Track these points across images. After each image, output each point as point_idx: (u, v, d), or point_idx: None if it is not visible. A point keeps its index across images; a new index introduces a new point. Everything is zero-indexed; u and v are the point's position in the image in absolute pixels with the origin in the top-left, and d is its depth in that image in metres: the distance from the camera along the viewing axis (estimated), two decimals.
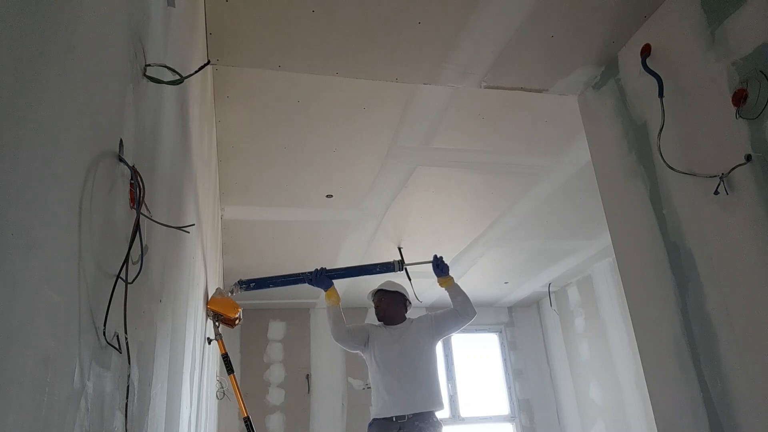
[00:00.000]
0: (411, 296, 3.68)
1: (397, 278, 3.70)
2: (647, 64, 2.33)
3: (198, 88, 2.07)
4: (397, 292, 3.51)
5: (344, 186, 3.76)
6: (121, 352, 0.89)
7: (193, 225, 1.88)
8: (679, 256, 2.19)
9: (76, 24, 0.68)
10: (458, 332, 6.92)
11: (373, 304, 3.57)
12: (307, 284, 3.52)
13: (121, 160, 0.87)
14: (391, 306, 3.47)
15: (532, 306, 6.99)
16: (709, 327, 2.05)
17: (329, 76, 2.65)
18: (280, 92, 2.78)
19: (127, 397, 0.95)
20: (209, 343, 3.16)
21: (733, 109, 1.95)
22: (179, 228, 1.29)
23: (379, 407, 3.27)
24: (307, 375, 6.21)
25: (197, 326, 2.56)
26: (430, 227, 4.51)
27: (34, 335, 0.56)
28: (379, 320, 3.49)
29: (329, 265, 5.22)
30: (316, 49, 2.46)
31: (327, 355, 6.37)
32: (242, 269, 5.15)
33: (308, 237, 4.55)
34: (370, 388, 6.28)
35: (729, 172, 1.96)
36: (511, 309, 7.03)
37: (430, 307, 6.81)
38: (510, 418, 6.48)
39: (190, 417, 2.18)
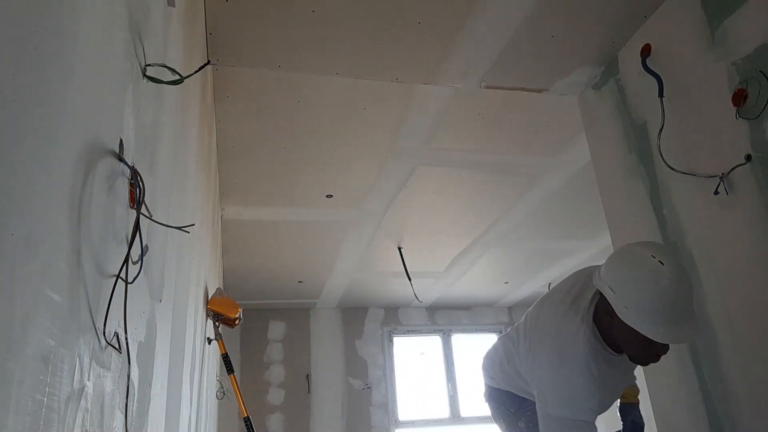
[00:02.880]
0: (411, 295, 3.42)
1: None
2: (647, 64, 2.33)
3: (198, 88, 2.07)
4: None
5: (344, 186, 3.76)
6: (121, 352, 0.89)
7: (193, 225, 1.88)
8: (679, 256, 2.19)
9: (76, 24, 0.68)
10: (459, 333, 6.92)
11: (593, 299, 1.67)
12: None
13: (121, 160, 0.87)
14: None
15: None
16: (709, 327, 2.05)
17: (329, 76, 2.65)
18: (280, 92, 2.78)
19: (127, 397, 0.95)
20: (209, 343, 3.16)
21: (733, 109, 1.95)
22: (179, 228, 1.29)
23: None
24: (307, 375, 6.21)
25: (197, 326, 2.56)
26: (430, 227, 4.51)
27: (33, 335, 0.56)
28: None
29: (329, 263, 5.19)
30: (316, 49, 2.46)
31: (327, 355, 6.38)
32: (242, 269, 5.15)
33: (308, 237, 4.55)
34: (370, 388, 6.31)
35: (729, 172, 1.96)
36: (511, 309, 7.03)
37: (430, 307, 6.81)
38: None
39: (190, 417, 2.18)
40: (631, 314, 1.44)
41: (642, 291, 1.43)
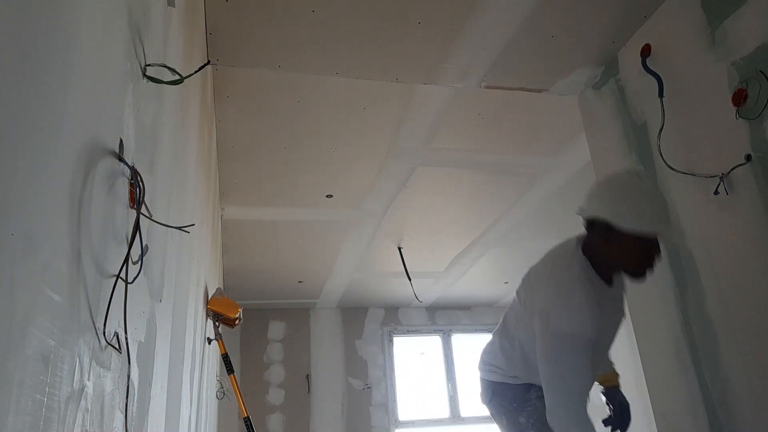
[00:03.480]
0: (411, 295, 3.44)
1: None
2: (647, 64, 2.33)
3: (198, 88, 2.07)
4: None
5: (344, 186, 3.76)
6: (121, 352, 0.89)
7: (193, 225, 1.88)
8: (679, 256, 2.19)
9: (76, 24, 0.68)
10: (459, 333, 6.93)
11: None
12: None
13: (121, 160, 0.87)
14: None
15: None
16: (709, 327, 2.05)
17: (329, 76, 2.65)
18: (280, 92, 2.78)
19: (127, 397, 0.95)
20: (209, 343, 3.16)
21: (733, 109, 1.95)
22: (179, 228, 1.29)
23: None
24: (307, 375, 6.21)
25: (197, 326, 2.56)
26: (430, 227, 4.51)
27: (33, 335, 0.56)
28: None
29: (329, 263, 5.19)
30: (316, 49, 2.46)
31: (327, 355, 6.37)
32: (242, 269, 5.15)
33: (308, 237, 4.56)
34: (370, 388, 6.31)
35: (729, 172, 1.96)
36: None
37: (430, 307, 6.81)
38: None
39: (190, 417, 2.18)
40: (628, 219, 1.58)
41: (634, 194, 1.61)
